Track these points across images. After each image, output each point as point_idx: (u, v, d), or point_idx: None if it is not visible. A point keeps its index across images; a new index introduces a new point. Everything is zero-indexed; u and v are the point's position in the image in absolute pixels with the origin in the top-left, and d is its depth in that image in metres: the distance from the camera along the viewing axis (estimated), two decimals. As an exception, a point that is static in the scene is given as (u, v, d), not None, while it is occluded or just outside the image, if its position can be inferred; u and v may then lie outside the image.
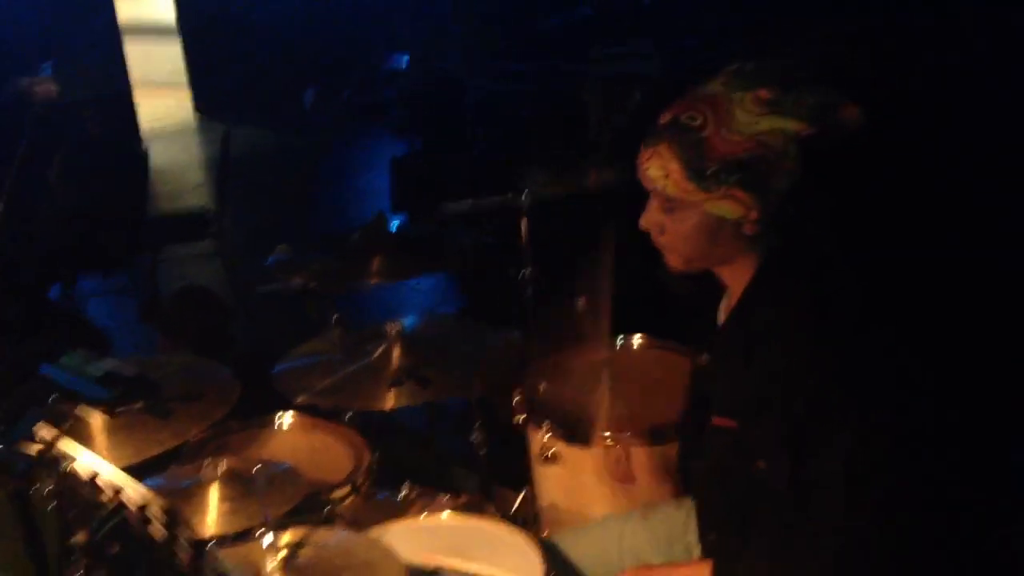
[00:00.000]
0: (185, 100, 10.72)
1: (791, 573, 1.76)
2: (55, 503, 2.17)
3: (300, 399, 2.57)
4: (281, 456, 2.46)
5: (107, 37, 9.36)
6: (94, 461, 1.22)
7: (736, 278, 1.82)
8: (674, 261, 1.82)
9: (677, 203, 1.72)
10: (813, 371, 1.68)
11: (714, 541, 1.94)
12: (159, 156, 8.73)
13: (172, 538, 1.18)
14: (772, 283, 1.77)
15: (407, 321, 2.74)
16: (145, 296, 5.46)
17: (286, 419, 2.69)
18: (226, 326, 3.53)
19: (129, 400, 1.49)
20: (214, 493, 2.00)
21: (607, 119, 3.27)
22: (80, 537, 1.24)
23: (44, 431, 1.26)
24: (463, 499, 2.54)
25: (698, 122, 1.67)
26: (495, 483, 2.93)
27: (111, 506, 1.26)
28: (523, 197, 3.02)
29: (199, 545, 1.15)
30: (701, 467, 1.99)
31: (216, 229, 5.78)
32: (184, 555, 1.20)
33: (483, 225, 3.11)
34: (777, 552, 1.77)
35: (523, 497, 2.82)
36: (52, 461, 1.23)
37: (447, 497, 2.54)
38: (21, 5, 7.90)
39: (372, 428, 2.81)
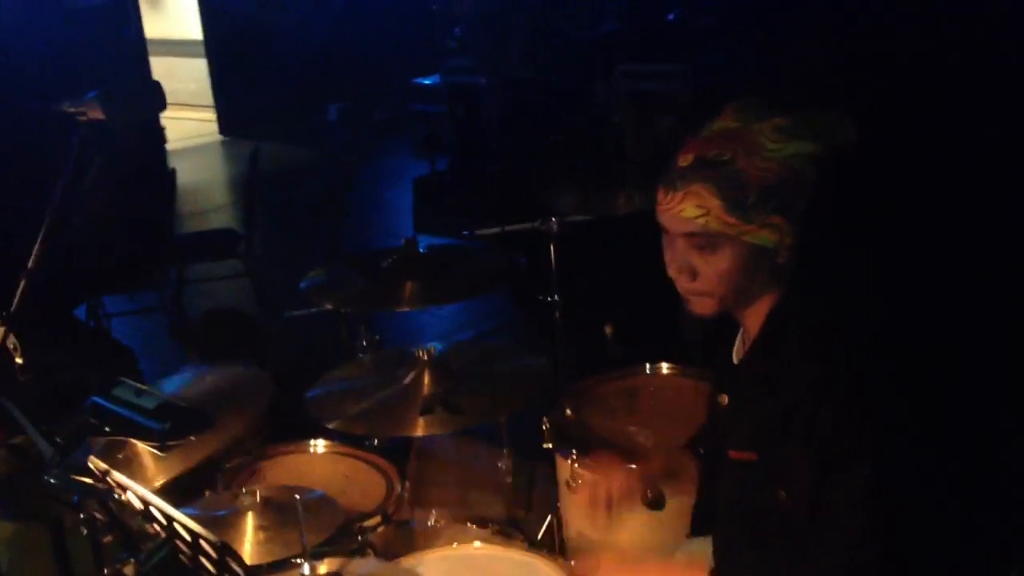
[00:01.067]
0: (210, 119, 10.83)
1: None
2: (86, 532, 2.22)
3: (332, 425, 2.60)
4: (314, 483, 2.47)
5: (139, 58, 9.46)
6: (146, 494, 1.24)
7: (755, 316, 1.85)
8: (704, 307, 1.82)
9: (717, 239, 1.73)
10: (837, 396, 1.69)
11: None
12: (184, 175, 8.82)
13: (224, 571, 1.20)
14: (794, 313, 1.80)
15: (438, 346, 2.77)
16: (173, 316, 5.49)
17: (319, 446, 2.71)
18: (257, 348, 3.56)
19: (182, 434, 1.51)
20: (250, 522, 2.02)
21: (638, 142, 3.29)
22: (128, 568, 1.26)
23: (96, 462, 1.28)
24: (491, 528, 2.54)
25: (728, 156, 1.70)
26: (521, 510, 2.93)
27: (161, 537, 1.28)
28: (552, 222, 3.04)
29: (247, 570, 1.17)
30: (719, 503, 2.00)
31: (244, 248, 5.82)
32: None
33: (513, 249, 3.11)
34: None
35: (548, 524, 2.82)
36: (104, 492, 1.25)
37: (475, 526, 2.55)
38: (52, 27, 7.99)
39: (400, 453, 2.84)
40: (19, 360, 2.28)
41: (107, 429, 1.35)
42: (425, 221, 6.78)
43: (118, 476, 1.27)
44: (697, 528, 2.24)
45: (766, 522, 1.81)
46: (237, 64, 10.60)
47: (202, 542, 1.19)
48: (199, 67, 11.13)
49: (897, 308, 1.79)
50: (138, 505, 1.25)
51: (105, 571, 1.93)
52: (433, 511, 2.58)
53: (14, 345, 2.28)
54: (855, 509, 1.69)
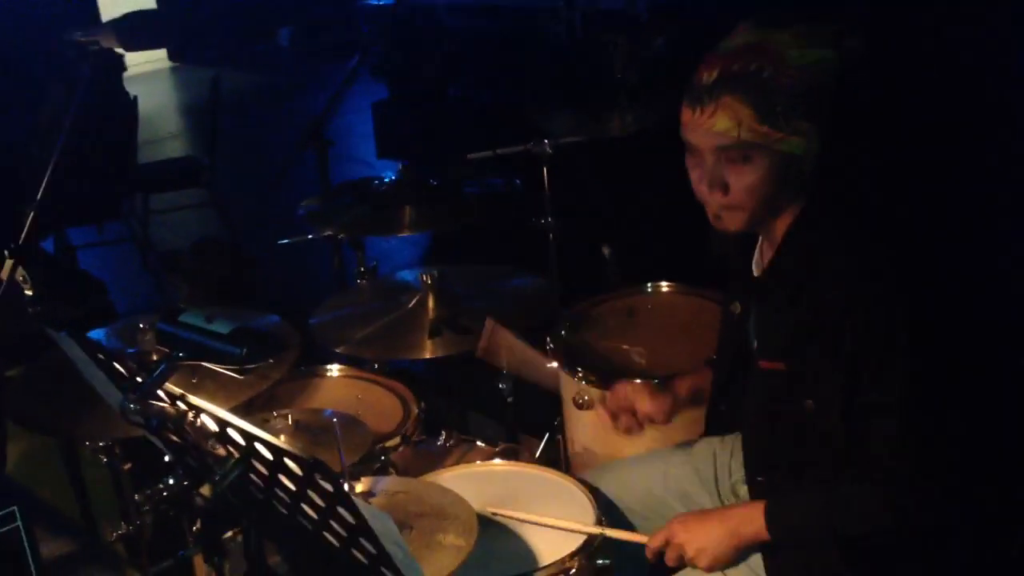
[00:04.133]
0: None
1: (847, 509, 1.84)
2: (105, 460, 2.22)
3: (340, 349, 2.61)
4: (330, 406, 2.50)
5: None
6: (225, 414, 1.25)
7: (777, 228, 1.89)
8: (736, 221, 1.86)
9: (751, 149, 1.76)
10: (864, 299, 1.74)
11: (763, 483, 2.01)
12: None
13: (309, 487, 1.22)
14: (817, 223, 1.84)
15: (436, 271, 2.78)
16: (144, 248, 5.43)
17: (333, 370, 2.73)
18: (244, 275, 3.55)
19: (260, 358, 1.50)
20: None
21: (631, 62, 3.29)
22: (205, 488, 1.28)
23: (171, 387, 1.29)
24: (500, 447, 2.59)
25: (754, 67, 1.74)
26: (519, 430, 2.98)
27: (233, 458, 1.30)
28: (545, 143, 3.04)
29: (339, 489, 1.18)
30: (748, 411, 2.06)
31: (208, 177, 5.74)
32: (318, 505, 1.25)
33: (507, 173, 3.11)
34: (831, 489, 1.85)
35: (547, 443, 2.86)
36: (181, 415, 1.26)
37: (484, 444, 2.60)
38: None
39: (398, 376, 2.86)
40: (29, 292, 2.26)
41: (181, 355, 1.35)
42: (387, 147, 6.72)
43: (194, 399, 1.28)
44: (710, 430, 2.30)
45: (795, 430, 1.87)
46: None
47: (287, 459, 1.20)
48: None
49: (921, 217, 1.83)
50: (213, 427, 1.27)
51: (136, 496, 1.94)
52: (443, 431, 2.62)
53: (23, 277, 2.26)
54: (891, 417, 1.74)
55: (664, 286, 2.96)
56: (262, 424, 2.06)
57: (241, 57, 9.59)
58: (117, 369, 1.33)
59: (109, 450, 2.25)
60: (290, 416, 2.05)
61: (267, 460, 1.26)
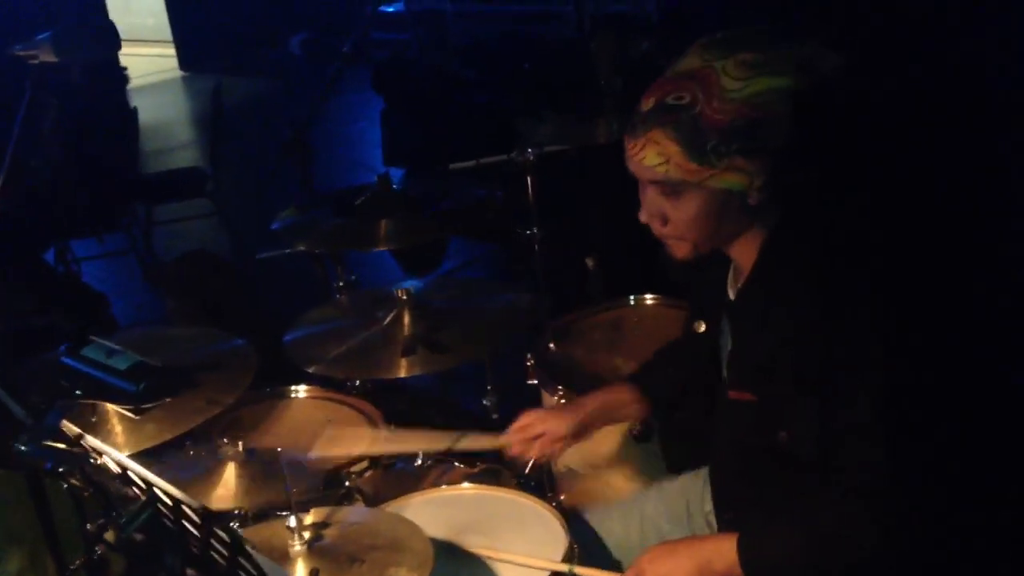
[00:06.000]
0: (170, 54, 10.57)
1: (827, 538, 1.73)
2: (66, 487, 2.15)
3: (312, 369, 2.53)
4: (296, 429, 2.43)
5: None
6: (122, 458, 1.18)
7: (745, 252, 1.79)
8: (682, 251, 1.77)
9: (680, 186, 1.67)
10: (831, 328, 1.64)
11: (732, 520, 1.91)
12: (145, 112, 8.59)
13: (208, 535, 1.14)
14: (784, 248, 1.74)
15: (416, 284, 2.70)
16: (145, 259, 5.39)
17: (300, 391, 2.65)
18: (233, 290, 3.48)
19: (157, 396, 1.43)
20: (232, 472, 1.96)
21: (616, 69, 3.21)
22: (109, 534, 1.20)
23: (69, 427, 1.22)
24: (479, 467, 2.51)
25: (687, 100, 1.62)
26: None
27: (140, 500, 1.22)
28: (528, 152, 2.96)
29: (237, 542, 1.11)
30: (718, 444, 1.97)
31: (212, 187, 5.70)
32: (221, 552, 1.17)
33: (491, 183, 3.03)
34: (808, 519, 1.75)
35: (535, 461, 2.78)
36: (79, 457, 1.19)
37: (462, 465, 2.51)
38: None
39: (382, 392, 2.79)
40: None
41: (78, 392, 1.28)
42: (395, 154, 6.65)
43: (92, 440, 1.21)
44: (673, 462, 2.21)
45: (767, 463, 1.77)
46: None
47: (184, 507, 1.13)
48: (156, 1, 10.83)
49: (894, 237, 1.73)
50: (115, 469, 1.19)
51: (88, 526, 1.88)
52: (420, 452, 2.54)
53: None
54: (867, 442, 1.65)
55: (648, 299, 2.87)
56: (212, 451, 1.99)
57: (252, 64, 9.57)
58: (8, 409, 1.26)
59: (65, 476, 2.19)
60: (240, 444, 1.97)
61: (168, 505, 1.18)
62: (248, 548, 1.10)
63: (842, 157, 1.72)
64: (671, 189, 1.68)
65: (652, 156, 1.65)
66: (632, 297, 2.89)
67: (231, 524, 1.95)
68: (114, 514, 1.20)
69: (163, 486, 1.13)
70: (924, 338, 1.70)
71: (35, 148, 5.35)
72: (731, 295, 1.87)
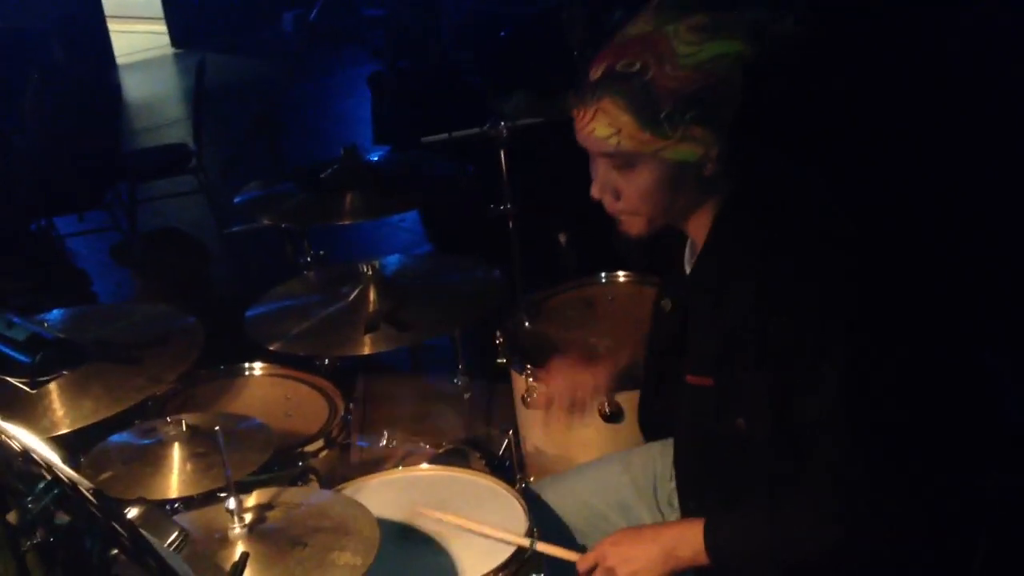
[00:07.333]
0: (161, 31, 10.48)
1: (794, 527, 1.66)
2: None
3: (274, 346, 2.47)
4: (253, 408, 2.36)
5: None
6: (24, 435, 1.12)
7: (699, 227, 1.72)
8: (635, 227, 1.70)
9: (633, 158, 1.59)
10: (788, 306, 1.57)
11: (695, 510, 1.84)
12: (136, 89, 8.53)
13: (108, 517, 1.08)
14: (735, 222, 1.67)
15: (383, 260, 2.64)
16: (127, 236, 5.33)
17: (256, 369, 2.59)
18: (203, 269, 3.41)
19: (53, 369, 1.36)
20: (177, 453, 1.90)
21: (589, 40, 3.12)
22: (11, 516, 1.14)
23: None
24: (445, 448, 2.45)
25: (637, 67, 1.54)
26: (482, 425, 2.83)
27: (46, 482, 1.16)
28: (502, 127, 2.88)
29: (133, 528, 1.05)
30: (679, 430, 1.90)
31: (196, 164, 5.63)
32: (123, 535, 1.11)
33: (465, 157, 2.96)
34: (776, 507, 1.68)
35: (509, 440, 2.73)
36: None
37: (428, 446, 2.45)
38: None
39: (355, 369, 2.73)
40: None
41: (-22, 365, 1.22)
42: (384, 130, 6.58)
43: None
44: (646, 435, 2.15)
45: (727, 452, 1.71)
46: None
47: (82, 489, 1.06)
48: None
49: (853, 209, 1.65)
50: (16, 448, 1.13)
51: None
52: (385, 432, 2.48)
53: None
54: (832, 428, 1.57)
55: (621, 275, 2.80)
56: (157, 430, 1.93)
57: (244, 41, 9.47)
58: None
59: None
60: (184, 422, 1.91)
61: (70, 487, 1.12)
62: (144, 533, 1.04)
63: (798, 124, 1.64)
64: (623, 161, 1.61)
65: (603, 127, 1.58)
66: (604, 274, 2.81)
67: (175, 507, 1.90)
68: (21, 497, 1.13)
69: (62, 468, 1.07)
70: (890, 317, 1.62)
71: (17, 124, 5.30)
72: (688, 271, 1.80)
